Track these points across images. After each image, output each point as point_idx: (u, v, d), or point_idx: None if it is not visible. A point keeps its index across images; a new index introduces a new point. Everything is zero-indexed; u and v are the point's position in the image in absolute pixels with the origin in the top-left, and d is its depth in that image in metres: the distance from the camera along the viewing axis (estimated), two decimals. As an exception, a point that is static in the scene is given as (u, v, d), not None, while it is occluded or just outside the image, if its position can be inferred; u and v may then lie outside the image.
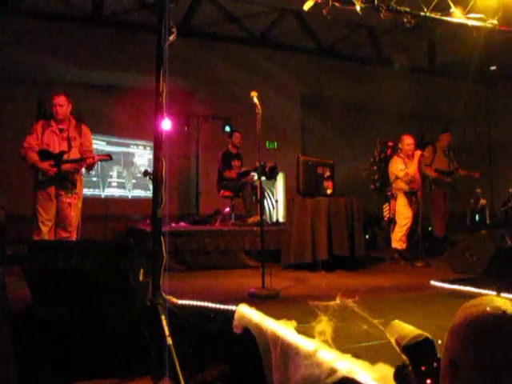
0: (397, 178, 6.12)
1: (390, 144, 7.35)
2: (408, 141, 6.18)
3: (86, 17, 8.04)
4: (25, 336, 2.77)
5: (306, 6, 4.78)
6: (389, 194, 6.34)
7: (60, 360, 2.90)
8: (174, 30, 2.97)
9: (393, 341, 1.45)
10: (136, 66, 8.10)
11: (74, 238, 4.63)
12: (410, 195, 6.06)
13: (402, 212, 6.06)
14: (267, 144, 9.27)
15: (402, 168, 6.08)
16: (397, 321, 1.51)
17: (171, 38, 2.95)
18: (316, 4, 4.74)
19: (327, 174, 5.66)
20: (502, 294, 3.49)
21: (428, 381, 1.26)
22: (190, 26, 8.63)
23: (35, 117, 5.83)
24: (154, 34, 2.99)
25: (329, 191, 5.60)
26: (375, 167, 7.69)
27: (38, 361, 2.86)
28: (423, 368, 1.28)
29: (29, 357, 2.79)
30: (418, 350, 1.31)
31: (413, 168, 6.02)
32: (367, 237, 8.15)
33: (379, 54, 10.12)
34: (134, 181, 9.50)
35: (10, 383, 2.24)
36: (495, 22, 5.08)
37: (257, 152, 3.96)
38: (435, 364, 1.26)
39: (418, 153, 6.03)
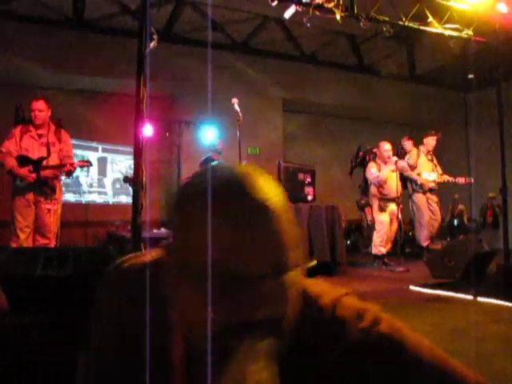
0: (371, 182, 6.20)
1: (369, 149, 7.39)
2: (385, 147, 6.23)
3: (66, 21, 7.99)
4: (2, 346, 2.72)
5: (287, 14, 4.83)
6: (363, 202, 6.36)
7: (39, 369, 2.85)
8: (155, 36, 2.96)
9: None
10: (117, 71, 8.03)
11: (52, 244, 4.55)
12: (386, 201, 6.11)
13: (378, 218, 6.12)
14: (249, 150, 9.27)
15: (373, 172, 6.14)
16: None
17: (152, 44, 2.94)
18: (297, 12, 4.80)
19: (308, 180, 5.69)
20: (479, 298, 3.57)
21: None
22: (173, 32, 8.64)
23: (13, 121, 5.72)
24: (136, 39, 2.97)
25: (310, 197, 5.63)
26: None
27: (17, 370, 2.81)
28: None
29: (8, 367, 2.74)
30: None
31: (384, 173, 6.08)
32: (348, 242, 8.22)
33: (361, 61, 10.26)
34: (115, 186, 9.42)
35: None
36: (470, 32, 5.21)
37: (238, 158, 3.97)
38: None
39: (394, 159, 6.08)
